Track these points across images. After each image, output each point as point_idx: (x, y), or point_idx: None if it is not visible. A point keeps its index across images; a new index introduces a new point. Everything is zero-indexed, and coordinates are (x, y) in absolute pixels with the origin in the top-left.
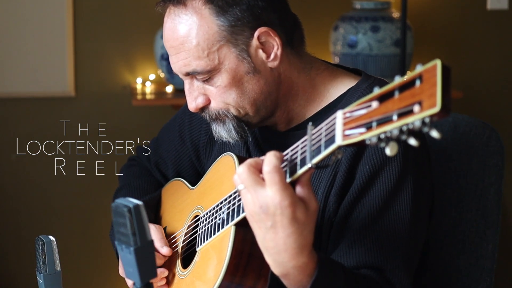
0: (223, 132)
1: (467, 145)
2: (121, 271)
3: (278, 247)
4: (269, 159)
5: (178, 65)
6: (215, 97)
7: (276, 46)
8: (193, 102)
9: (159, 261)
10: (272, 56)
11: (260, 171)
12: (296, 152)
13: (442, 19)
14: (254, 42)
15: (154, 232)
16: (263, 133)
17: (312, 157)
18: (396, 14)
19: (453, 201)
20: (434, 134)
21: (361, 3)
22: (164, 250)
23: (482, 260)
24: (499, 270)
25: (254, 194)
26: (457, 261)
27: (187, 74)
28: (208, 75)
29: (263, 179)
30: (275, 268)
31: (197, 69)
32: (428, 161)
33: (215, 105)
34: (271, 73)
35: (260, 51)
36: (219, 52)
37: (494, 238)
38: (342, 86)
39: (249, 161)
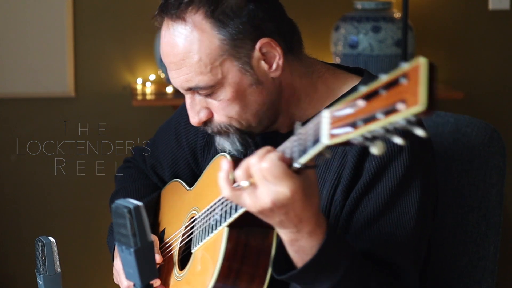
0: (227, 144)
1: (469, 145)
2: (116, 278)
3: (294, 223)
4: (265, 157)
5: (179, 81)
6: (218, 110)
7: (277, 56)
8: (196, 117)
9: None
10: (274, 66)
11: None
12: (284, 152)
13: (443, 19)
14: (256, 53)
15: None
16: (264, 135)
17: (299, 156)
18: (397, 14)
19: (454, 202)
20: (419, 132)
21: (362, 3)
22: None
23: (484, 261)
24: (500, 271)
25: (265, 187)
26: (459, 262)
27: (189, 89)
28: (211, 90)
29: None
30: (288, 236)
31: (199, 85)
32: (433, 157)
33: (218, 119)
34: (273, 83)
35: (262, 62)
36: (222, 66)
37: (495, 239)
38: (344, 86)
39: (257, 154)
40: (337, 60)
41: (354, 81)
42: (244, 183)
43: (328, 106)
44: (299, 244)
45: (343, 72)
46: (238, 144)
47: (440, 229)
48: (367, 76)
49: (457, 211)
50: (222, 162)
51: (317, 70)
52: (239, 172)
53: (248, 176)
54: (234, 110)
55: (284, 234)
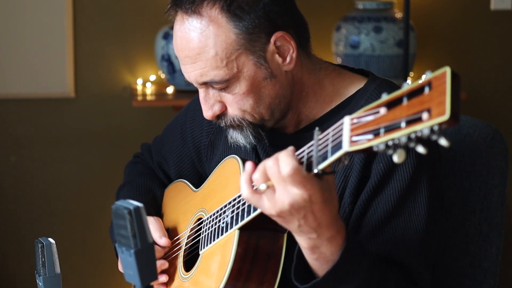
0: (240, 138)
1: (471, 146)
2: (121, 267)
3: (313, 227)
4: (286, 161)
5: (194, 75)
6: (232, 104)
7: (291, 49)
8: (210, 111)
9: (158, 254)
10: (288, 59)
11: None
12: (302, 157)
13: (445, 19)
14: (271, 47)
15: (152, 223)
16: (271, 136)
17: (319, 162)
18: (399, 15)
19: (456, 203)
20: (443, 142)
21: (364, 3)
22: (162, 240)
23: (486, 263)
24: (502, 273)
25: (283, 189)
26: (461, 264)
27: (204, 83)
28: (225, 84)
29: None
30: (307, 243)
31: (215, 79)
32: (439, 158)
33: (231, 112)
34: (286, 76)
35: (276, 55)
36: (238, 60)
37: (497, 240)
38: (351, 87)
39: (276, 155)
40: (338, 61)
41: (360, 82)
42: (263, 186)
43: (335, 107)
44: (319, 251)
45: (349, 73)
46: (251, 137)
47: (442, 230)
48: (372, 79)
49: (459, 212)
50: (246, 164)
51: (324, 68)
52: (257, 175)
53: (266, 179)
54: (248, 103)
55: (304, 241)
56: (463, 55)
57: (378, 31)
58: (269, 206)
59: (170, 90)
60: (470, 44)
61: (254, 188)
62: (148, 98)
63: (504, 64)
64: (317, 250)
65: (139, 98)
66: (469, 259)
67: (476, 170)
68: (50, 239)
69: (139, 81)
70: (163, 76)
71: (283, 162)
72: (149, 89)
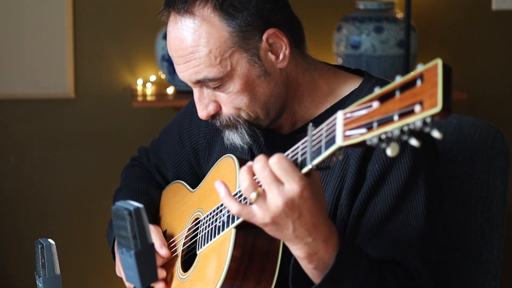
0: (237, 138)
1: (472, 147)
2: (118, 271)
3: (308, 229)
4: (273, 155)
5: (188, 74)
6: (227, 103)
7: (284, 46)
8: (204, 110)
9: (157, 262)
10: (281, 56)
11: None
12: (297, 153)
13: (446, 20)
14: (264, 44)
15: (152, 232)
16: (266, 137)
17: (313, 158)
18: (400, 15)
19: (457, 204)
20: (436, 134)
21: (365, 3)
22: (163, 251)
23: (487, 264)
24: (504, 274)
25: (276, 189)
26: (462, 265)
27: (198, 82)
28: (219, 82)
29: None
30: (304, 251)
31: (208, 76)
32: (436, 155)
33: (226, 111)
34: (280, 74)
35: (269, 53)
36: (231, 58)
37: (499, 241)
38: (346, 87)
39: (260, 159)
40: (339, 61)
41: (355, 82)
42: (253, 195)
43: (330, 108)
44: (317, 258)
45: (345, 73)
46: (247, 136)
47: (443, 232)
48: (367, 78)
49: (460, 213)
50: (216, 185)
51: (319, 68)
52: (245, 185)
53: (255, 186)
54: (243, 102)
55: (300, 249)
56: (465, 55)
57: (379, 31)
58: (262, 214)
59: (170, 90)
60: (472, 44)
61: (245, 201)
62: (148, 98)
63: (506, 64)
64: (315, 257)
65: (139, 98)
66: (471, 261)
67: (477, 171)
68: (50, 240)
69: (139, 82)
70: (163, 76)
71: (268, 159)
72: (149, 89)
